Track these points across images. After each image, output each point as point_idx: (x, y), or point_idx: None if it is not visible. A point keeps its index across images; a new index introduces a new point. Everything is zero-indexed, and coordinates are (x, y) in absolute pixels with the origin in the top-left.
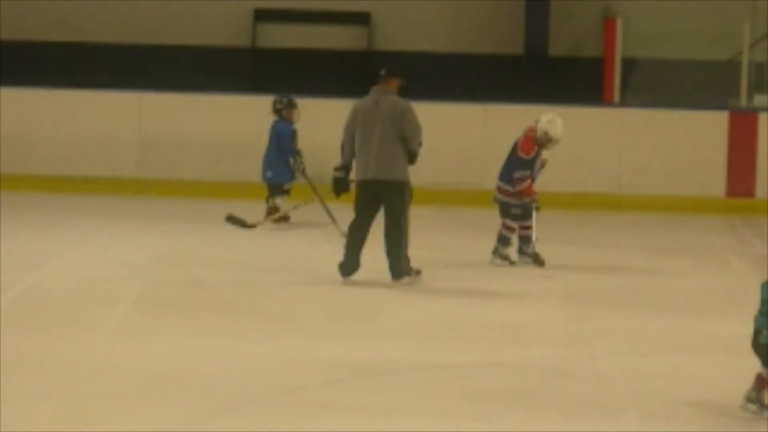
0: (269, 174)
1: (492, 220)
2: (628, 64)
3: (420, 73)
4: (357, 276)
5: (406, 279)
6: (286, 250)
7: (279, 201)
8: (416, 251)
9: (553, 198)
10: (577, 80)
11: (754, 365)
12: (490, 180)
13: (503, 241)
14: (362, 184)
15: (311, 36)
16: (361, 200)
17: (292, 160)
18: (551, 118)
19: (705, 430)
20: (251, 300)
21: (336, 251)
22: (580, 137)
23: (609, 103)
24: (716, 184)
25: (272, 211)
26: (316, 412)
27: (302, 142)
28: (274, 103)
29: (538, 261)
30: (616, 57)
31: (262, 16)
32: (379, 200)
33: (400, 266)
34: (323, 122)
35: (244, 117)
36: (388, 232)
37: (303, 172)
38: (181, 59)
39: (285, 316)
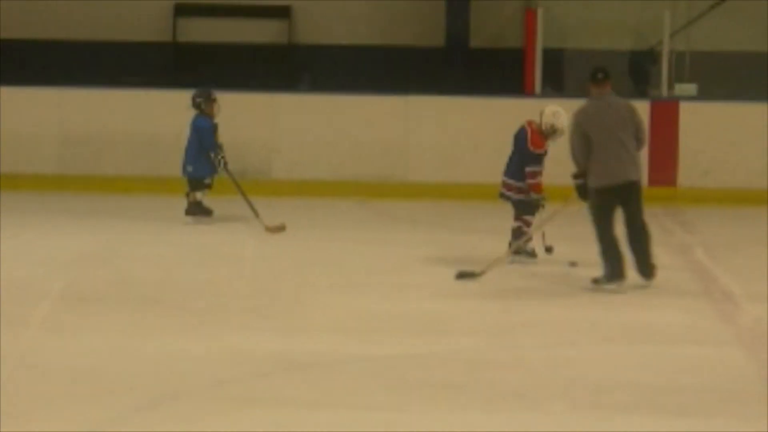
0: (190, 168)
1: (412, 210)
2: (550, 54)
3: (341, 66)
4: (285, 270)
5: (653, 279)
6: (210, 245)
7: (200, 195)
8: (339, 243)
9: (477, 189)
10: (498, 71)
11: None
12: (413, 172)
13: (519, 237)
14: (613, 188)
15: (232, 30)
16: (608, 204)
17: (213, 155)
18: (555, 111)
19: (631, 417)
20: (176, 295)
21: (260, 244)
22: (502, 128)
23: (530, 94)
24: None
25: (192, 206)
26: (242, 405)
27: (224, 137)
28: (194, 97)
29: (534, 255)
30: (537, 48)
31: (182, 11)
32: (620, 201)
33: (652, 266)
34: (245, 116)
35: (166, 112)
36: (638, 231)
37: (224, 166)
38: (102, 55)
39: (210, 311)
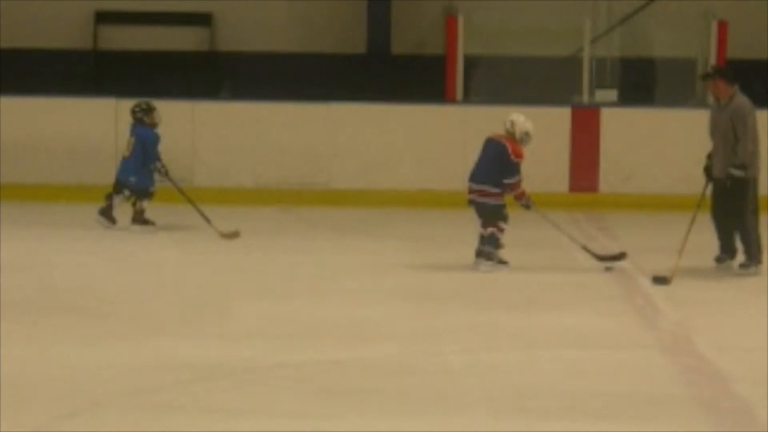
0: (133, 179)
1: (334, 217)
2: (471, 61)
3: (263, 74)
4: (209, 277)
5: (753, 269)
6: (132, 252)
7: (146, 204)
8: (262, 251)
9: (398, 195)
10: (420, 78)
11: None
12: (335, 179)
13: (495, 244)
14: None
15: (153, 37)
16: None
17: (157, 164)
18: (524, 118)
19: (554, 422)
20: (100, 303)
21: (183, 252)
22: (424, 135)
23: (452, 100)
24: (559, 179)
25: (139, 215)
26: (167, 413)
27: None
28: (134, 110)
29: (505, 262)
30: (458, 54)
31: (103, 18)
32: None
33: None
34: (166, 124)
35: (88, 119)
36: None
37: (167, 174)
38: (21, 62)
39: (134, 319)
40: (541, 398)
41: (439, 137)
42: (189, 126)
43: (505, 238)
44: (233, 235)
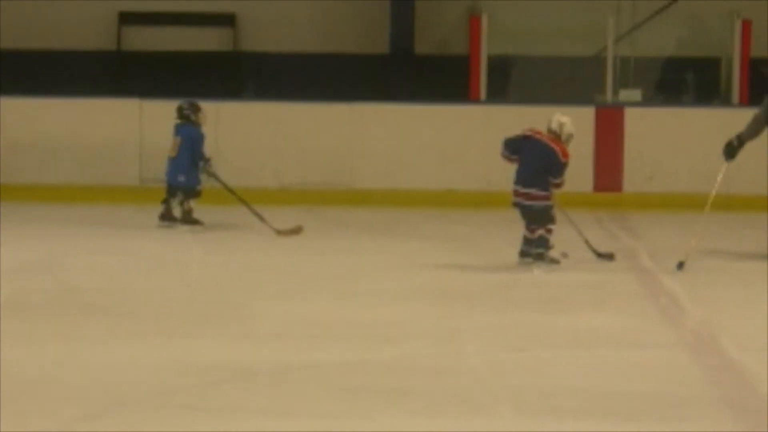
0: (182, 178)
1: (358, 218)
2: (495, 61)
3: (287, 74)
4: (231, 278)
5: None
6: (155, 252)
7: (192, 204)
8: (285, 251)
9: (422, 196)
10: (443, 78)
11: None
12: (359, 179)
13: (546, 245)
14: None
15: (176, 38)
16: None
17: (203, 164)
18: (569, 119)
19: (578, 422)
20: (123, 303)
21: (206, 252)
22: (448, 135)
23: (476, 100)
24: (584, 178)
25: (188, 214)
26: (190, 414)
27: (168, 145)
28: (181, 109)
29: (558, 261)
30: (482, 54)
31: (126, 19)
32: None
33: None
34: None
35: (111, 120)
36: None
37: (215, 174)
38: (46, 63)
39: (157, 319)
40: (564, 398)
41: (463, 137)
42: (213, 126)
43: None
44: (294, 231)
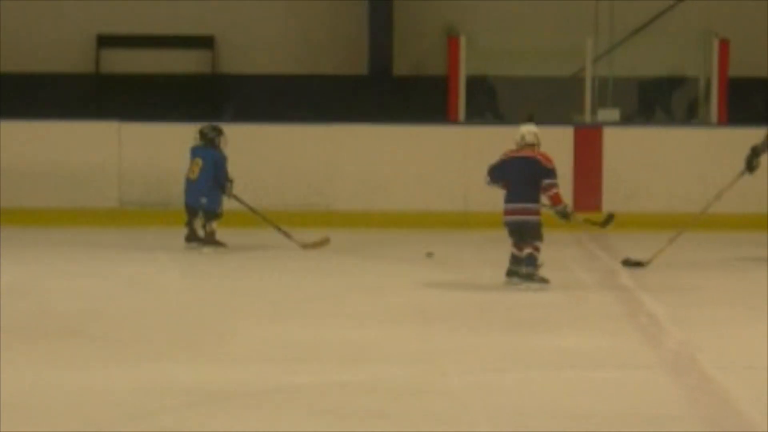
0: (204, 201)
1: (336, 239)
2: (473, 82)
3: (265, 95)
4: (209, 300)
5: None
6: (132, 275)
7: (215, 225)
8: (262, 273)
9: (399, 217)
10: (422, 99)
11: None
12: (336, 201)
13: (535, 264)
14: None
15: (155, 61)
16: None
17: (229, 185)
18: (531, 126)
19: None
20: (99, 327)
21: (183, 274)
22: (426, 156)
23: (454, 121)
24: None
25: (211, 236)
26: None
27: (149, 167)
28: (205, 132)
29: (546, 280)
30: (460, 75)
31: (105, 41)
32: None
33: None
34: (168, 147)
35: (90, 143)
36: None
37: (236, 196)
38: (24, 87)
39: (134, 342)
40: (542, 419)
41: (441, 158)
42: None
43: (542, 257)
44: (321, 242)
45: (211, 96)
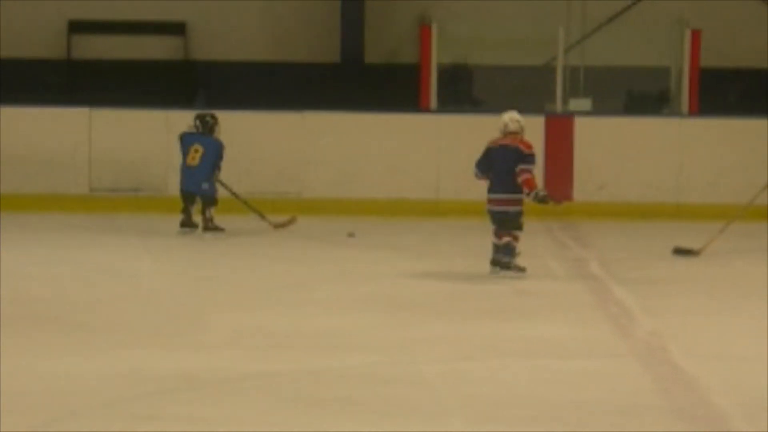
0: (206, 186)
1: (308, 227)
2: (445, 70)
3: (237, 82)
4: (182, 287)
5: None
6: (105, 262)
7: (213, 211)
8: (235, 260)
9: (371, 205)
10: (394, 87)
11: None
12: (308, 188)
13: (512, 253)
14: None
15: (127, 47)
16: None
17: (218, 172)
18: (514, 113)
19: (528, 430)
20: (72, 313)
21: (156, 261)
22: (398, 144)
23: (426, 109)
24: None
25: (210, 222)
26: (141, 424)
27: (120, 153)
28: (203, 120)
29: (523, 269)
30: (432, 63)
31: (76, 27)
32: None
33: None
34: (140, 133)
35: (61, 129)
36: None
37: (222, 181)
38: None
39: (108, 329)
40: (514, 408)
41: (414, 146)
42: (163, 135)
43: (520, 246)
44: (289, 221)
45: (183, 83)
